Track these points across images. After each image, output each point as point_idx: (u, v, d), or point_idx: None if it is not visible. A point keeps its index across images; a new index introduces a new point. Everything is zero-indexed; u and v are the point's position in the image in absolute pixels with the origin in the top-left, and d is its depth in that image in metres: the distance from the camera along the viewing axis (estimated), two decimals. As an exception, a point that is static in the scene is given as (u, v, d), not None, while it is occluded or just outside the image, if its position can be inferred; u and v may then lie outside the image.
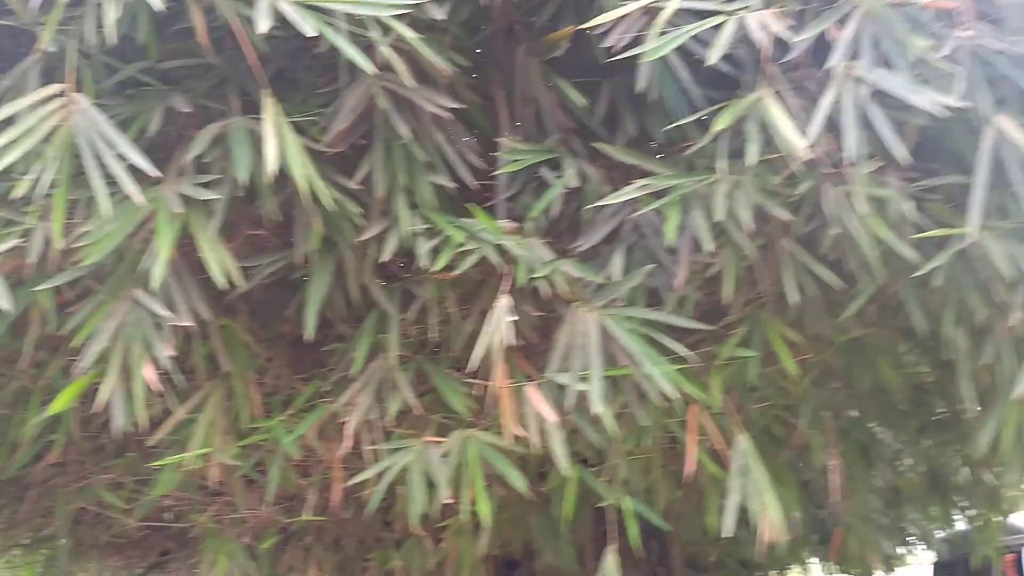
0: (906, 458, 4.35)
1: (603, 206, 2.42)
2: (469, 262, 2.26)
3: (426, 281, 2.47)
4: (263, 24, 1.88)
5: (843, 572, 7.46)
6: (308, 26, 1.88)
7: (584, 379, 2.27)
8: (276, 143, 1.99)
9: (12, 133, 1.86)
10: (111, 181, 2.01)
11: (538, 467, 2.89)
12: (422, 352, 2.68)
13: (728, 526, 2.35)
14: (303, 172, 2.07)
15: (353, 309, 2.62)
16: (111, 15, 1.85)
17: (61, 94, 1.95)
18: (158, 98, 2.30)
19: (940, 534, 7.81)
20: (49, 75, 2.24)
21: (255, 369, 2.70)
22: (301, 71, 2.52)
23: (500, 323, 2.17)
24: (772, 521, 2.32)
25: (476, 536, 3.10)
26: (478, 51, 2.69)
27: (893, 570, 5.78)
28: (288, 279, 2.82)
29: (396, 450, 2.54)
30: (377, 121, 2.34)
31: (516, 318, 2.20)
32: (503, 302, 2.21)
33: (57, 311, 2.32)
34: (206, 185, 2.20)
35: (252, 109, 2.33)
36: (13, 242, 2.16)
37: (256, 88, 2.41)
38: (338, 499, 2.75)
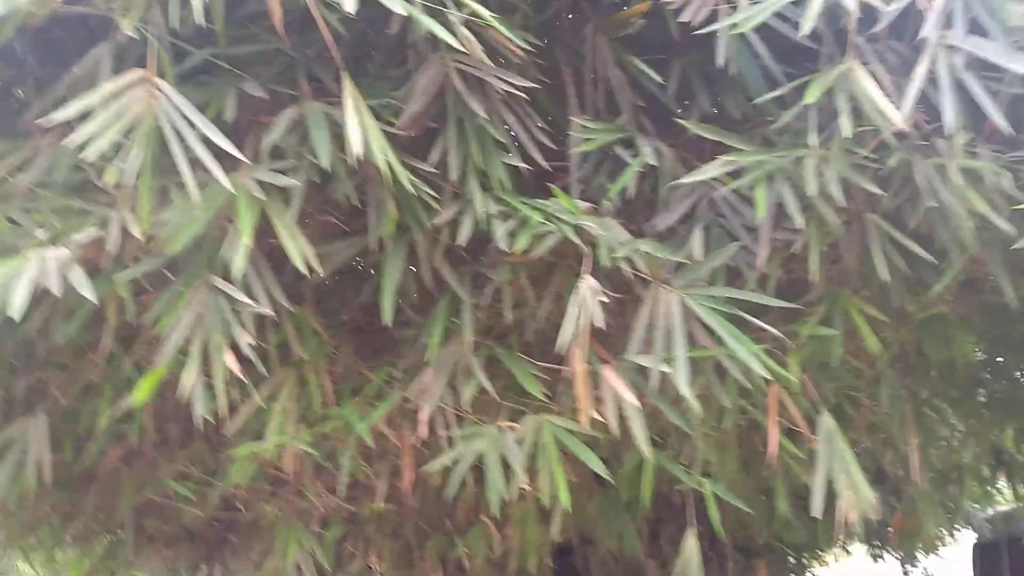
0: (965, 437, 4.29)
1: (678, 185, 2.38)
2: (548, 243, 2.22)
3: (498, 264, 2.44)
4: (350, 5, 1.84)
5: (888, 552, 7.41)
6: (397, 5, 1.84)
7: (667, 360, 2.23)
8: (359, 127, 1.95)
9: (99, 120, 1.83)
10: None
11: (604, 451, 2.86)
12: (490, 336, 2.65)
13: (817, 507, 2.31)
14: (384, 156, 2.04)
15: (418, 295, 2.60)
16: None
17: (142, 80, 1.92)
18: (228, 84, 2.27)
19: (981, 514, 7.74)
20: (120, 62, 2.23)
21: (324, 357, 2.68)
22: (369, 55, 2.48)
23: (586, 304, 2.13)
24: (864, 501, 2.27)
25: (542, 522, 3.08)
26: (544, 29, 2.64)
27: (937, 551, 5.73)
28: (351, 266, 2.80)
29: (470, 436, 2.52)
30: (449, 102, 2.31)
31: (605, 299, 2.16)
32: (588, 283, 2.17)
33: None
34: (282, 171, 2.18)
35: (321, 94, 2.31)
36: (92, 232, 2.14)
37: (324, 73, 2.40)
38: (409, 486, 2.73)
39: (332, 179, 2.28)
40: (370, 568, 3.60)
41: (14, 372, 2.72)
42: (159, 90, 1.91)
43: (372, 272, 2.81)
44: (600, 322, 2.13)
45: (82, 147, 2.26)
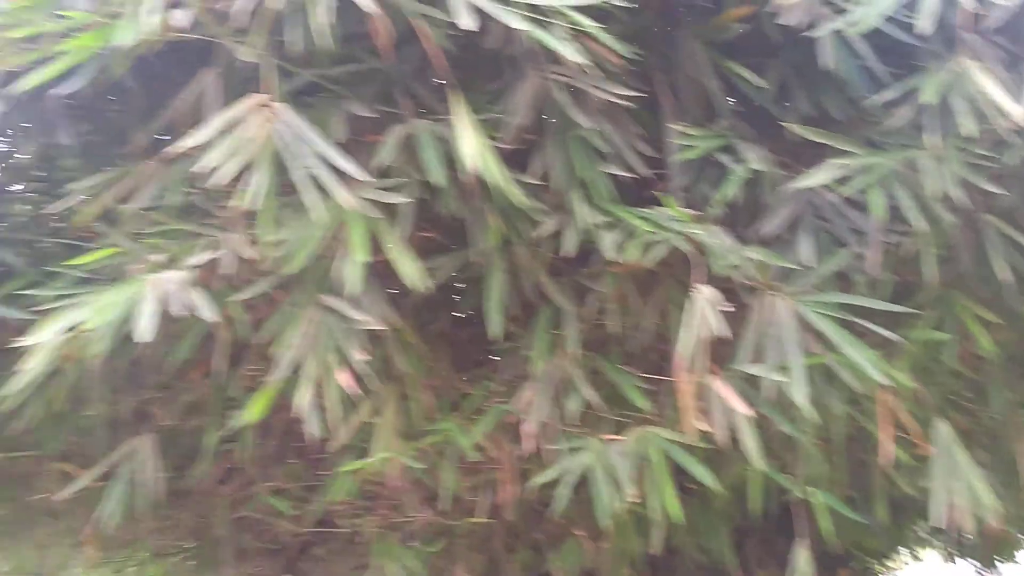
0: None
1: (786, 190, 2.36)
2: (658, 252, 2.20)
3: (601, 275, 2.43)
4: (466, 21, 1.85)
5: (965, 558, 7.25)
6: (516, 21, 1.85)
7: (781, 369, 2.20)
8: (473, 142, 1.96)
9: (225, 145, 1.85)
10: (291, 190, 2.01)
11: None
12: (589, 347, 2.64)
13: (936, 516, 2.26)
14: (494, 170, 2.05)
15: (514, 308, 2.59)
16: (322, 19, 1.83)
17: (260, 104, 1.94)
18: (331, 104, 2.29)
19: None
20: (230, 86, 2.27)
21: (423, 371, 2.68)
22: (465, 71, 2.49)
23: (705, 313, 2.11)
24: (987, 509, 2.22)
25: (638, 535, 3.05)
26: (636, 37, 2.63)
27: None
28: (446, 281, 2.80)
29: (574, 449, 2.50)
30: (549, 113, 2.31)
31: (730, 307, 2.14)
32: (705, 291, 2.15)
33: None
34: (389, 189, 2.19)
35: (421, 111, 2.32)
36: (206, 254, 2.17)
37: (422, 90, 2.41)
38: (510, 500, 2.72)
39: (434, 195, 2.29)
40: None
41: (120, 392, 2.76)
42: (276, 113, 1.93)
43: (464, 286, 2.81)
44: (722, 331, 2.10)
45: (189, 170, 2.31)
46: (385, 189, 2.19)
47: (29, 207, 2.98)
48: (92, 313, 2.03)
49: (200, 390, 2.78)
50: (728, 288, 2.30)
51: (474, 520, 2.90)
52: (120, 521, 2.81)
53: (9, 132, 2.47)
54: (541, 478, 2.49)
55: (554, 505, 2.56)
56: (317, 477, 3.16)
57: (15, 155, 2.85)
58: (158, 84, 2.61)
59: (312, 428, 2.25)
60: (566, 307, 2.44)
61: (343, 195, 1.93)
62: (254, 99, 1.95)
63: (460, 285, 2.82)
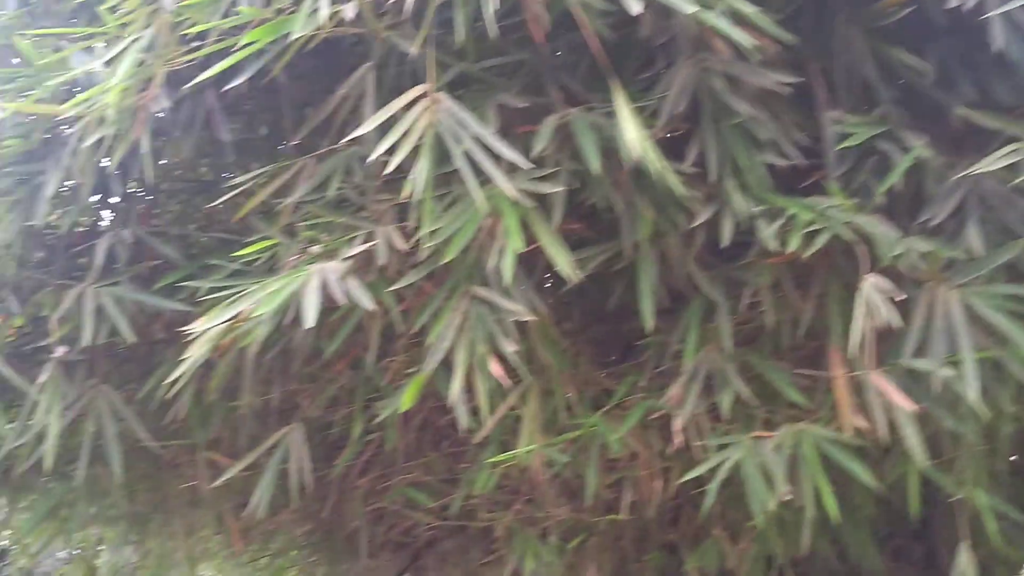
0: None
1: (945, 178, 2.26)
2: (820, 241, 2.13)
3: (755, 266, 2.37)
4: (636, 7, 1.83)
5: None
6: (686, 5, 1.82)
7: (950, 363, 2.10)
8: (635, 129, 1.93)
9: (393, 135, 1.88)
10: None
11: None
12: (740, 342, 2.58)
13: None
14: (653, 157, 2.02)
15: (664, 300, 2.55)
16: (492, 8, 1.84)
17: (423, 95, 1.96)
18: (483, 96, 2.30)
19: None
20: (382, 81, 2.30)
21: (566, 366, 2.67)
22: (618, 59, 2.46)
23: (874, 303, 2.03)
24: None
25: (780, 536, 2.97)
26: (787, 23, 2.56)
27: None
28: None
29: (724, 446, 2.45)
30: (704, 101, 2.26)
31: (902, 296, 2.06)
32: (874, 281, 2.07)
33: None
34: (541, 178, 2.18)
35: (571, 102, 2.31)
36: (363, 246, 2.20)
37: (571, 80, 2.40)
38: (654, 498, 2.69)
39: (583, 185, 2.27)
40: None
41: (268, 384, 2.83)
42: (440, 103, 1.94)
43: (603, 279, 2.78)
44: (894, 321, 2.02)
45: (342, 164, 2.35)
46: (538, 179, 2.18)
47: (179, 204, 3.09)
48: (260, 300, 2.08)
49: (345, 381, 2.83)
50: (891, 279, 2.22)
51: (614, 517, 2.86)
52: (267, 512, 2.88)
53: (173, 131, 2.53)
54: (691, 474, 2.44)
55: (701, 503, 2.52)
56: (453, 471, 3.18)
57: (170, 153, 2.95)
58: (307, 82, 2.67)
59: (461, 419, 2.26)
60: (718, 300, 2.39)
61: (504, 182, 1.92)
62: (416, 90, 1.97)
63: (597, 280, 2.80)
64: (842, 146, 2.29)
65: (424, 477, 3.14)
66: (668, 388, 2.50)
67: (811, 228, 2.14)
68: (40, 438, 2.70)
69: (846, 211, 2.17)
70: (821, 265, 2.38)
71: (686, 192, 2.16)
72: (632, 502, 2.85)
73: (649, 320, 2.28)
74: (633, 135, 1.95)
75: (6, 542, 6.05)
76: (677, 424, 2.43)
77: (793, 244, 2.11)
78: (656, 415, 2.61)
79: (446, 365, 2.26)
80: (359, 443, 2.90)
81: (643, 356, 2.68)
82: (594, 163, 2.05)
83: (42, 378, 2.65)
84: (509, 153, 1.95)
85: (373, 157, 1.96)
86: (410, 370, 2.58)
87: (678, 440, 2.44)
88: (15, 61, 2.77)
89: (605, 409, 2.64)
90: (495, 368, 2.18)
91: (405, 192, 1.98)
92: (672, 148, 2.32)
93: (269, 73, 2.29)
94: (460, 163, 1.93)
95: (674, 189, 2.08)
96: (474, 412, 2.59)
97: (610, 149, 2.16)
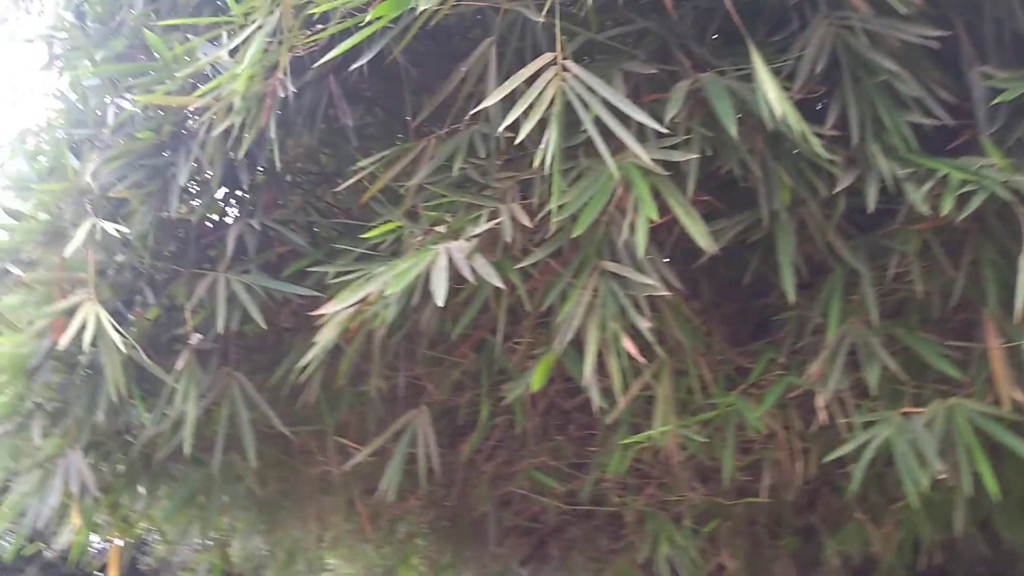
0: None
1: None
2: (976, 203, 1.99)
3: (901, 233, 2.23)
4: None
5: None
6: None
7: None
8: (776, 89, 1.83)
9: (521, 105, 1.83)
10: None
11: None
12: (885, 313, 2.44)
13: None
14: (796, 119, 1.91)
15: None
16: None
17: (551, 63, 1.90)
18: (612, 65, 2.22)
19: None
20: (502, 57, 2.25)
21: (700, 343, 2.58)
22: (750, 23, 2.36)
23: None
24: None
25: (928, 518, 2.82)
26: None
27: None
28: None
29: (870, 423, 2.32)
30: (843, 60, 2.14)
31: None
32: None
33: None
34: (674, 147, 2.10)
35: (699, 69, 2.21)
36: (488, 224, 2.16)
37: (698, 47, 2.31)
38: (796, 480, 2.58)
39: (715, 154, 2.18)
40: (721, 567, 3.46)
41: (395, 368, 2.83)
42: (569, 71, 1.88)
43: (733, 252, 2.68)
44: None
45: (463, 143, 2.31)
46: (669, 148, 2.10)
47: (302, 192, 3.11)
48: (388, 281, 2.06)
49: (470, 364, 2.80)
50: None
51: (752, 500, 2.76)
52: (395, 496, 2.88)
53: (296, 119, 2.54)
54: (836, 453, 2.32)
55: (839, 485, 2.40)
56: (580, 455, 3.12)
57: (292, 143, 2.97)
58: (424, 68, 2.64)
59: (595, 399, 2.20)
60: (861, 270, 2.26)
61: (638, 148, 1.85)
62: (543, 58, 1.91)
63: (728, 253, 2.70)
64: (995, 102, 2.13)
65: (551, 461, 3.09)
66: (808, 365, 2.39)
67: (965, 190, 2.00)
68: (177, 425, 2.76)
69: (1002, 170, 2.01)
70: (973, 230, 2.23)
71: (827, 156, 2.05)
72: (772, 485, 2.75)
73: (791, 293, 2.17)
74: (775, 95, 1.84)
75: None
76: (820, 401, 2.32)
77: (946, 207, 1.97)
78: (795, 393, 2.50)
79: (575, 344, 2.21)
80: (486, 427, 2.87)
81: (779, 333, 2.56)
82: (731, 127, 1.95)
83: (178, 366, 2.70)
84: (642, 118, 1.87)
85: (501, 129, 1.91)
86: (536, 351, 2.54)
87: (822, 417, 2.32)
88: (141, 58, 2.83)
89: (741, 388, 2.54)
90: (628, 346, 2.10)
91: (536, 162, 1.92)
92: (808, 112, 2.20)
93: (387, 57, 2.27)
94: (591, 130, 1.86)
95: (816, 152, 1.96)
96: (604, 392, 2.54)
97: (745, 114, 2.07)
